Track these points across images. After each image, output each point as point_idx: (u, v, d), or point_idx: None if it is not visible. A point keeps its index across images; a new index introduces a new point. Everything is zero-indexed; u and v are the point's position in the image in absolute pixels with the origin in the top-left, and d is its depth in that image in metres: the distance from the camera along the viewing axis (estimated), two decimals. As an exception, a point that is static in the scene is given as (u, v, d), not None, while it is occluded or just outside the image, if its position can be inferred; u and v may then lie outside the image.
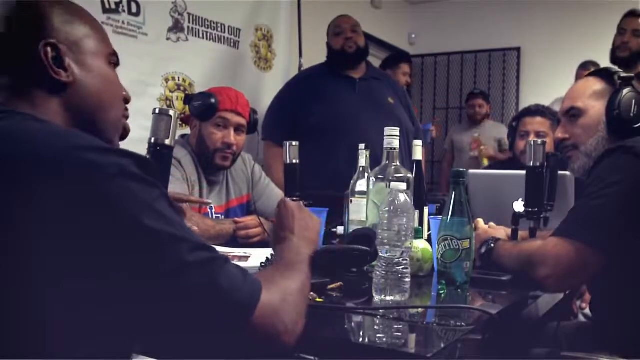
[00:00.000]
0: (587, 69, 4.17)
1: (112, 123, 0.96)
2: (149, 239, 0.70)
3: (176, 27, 2.86)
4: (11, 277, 0.67)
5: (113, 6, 2.52)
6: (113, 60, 0.97)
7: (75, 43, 0.90)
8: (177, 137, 1.54)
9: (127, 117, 1.01)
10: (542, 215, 1.52)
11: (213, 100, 2.02)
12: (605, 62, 2.78)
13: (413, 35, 5.86)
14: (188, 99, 2.06)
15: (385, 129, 1.47)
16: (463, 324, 1.01)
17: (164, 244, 0.71)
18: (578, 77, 4.23)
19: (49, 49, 0.87)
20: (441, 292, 1.30)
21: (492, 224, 1.62)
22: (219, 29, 3.12)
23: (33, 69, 0.86)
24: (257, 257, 1.53)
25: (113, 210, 0.69)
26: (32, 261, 0.67)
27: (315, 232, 1.13)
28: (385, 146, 1.47)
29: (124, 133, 1.01)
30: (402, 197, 1.16)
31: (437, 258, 1.36)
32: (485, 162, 4.32)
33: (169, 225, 0.73)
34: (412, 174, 1.54)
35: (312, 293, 1.15)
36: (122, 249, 0.69)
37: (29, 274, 0.67)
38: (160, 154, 1.16)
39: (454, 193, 1.33)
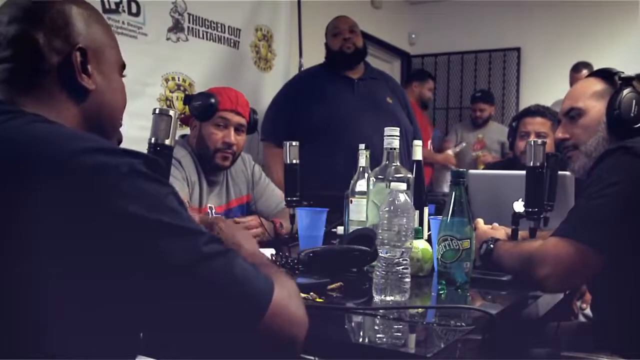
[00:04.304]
0: (579, 71, 4.17)
1: (116, 132, 0.99)
2: (162, 232, 0.71)
3: (176, 27, 2.86)
4: (25, 277, 0.67)
5: (113, 6, 2.52)
6: (122, 71, 0.99)
7: (98, 50, 0.92)
8: (177, 137, 1.54)
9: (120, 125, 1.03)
10: (542, 215, 1.52)
11: (213, 100, 2.02)
12: (603, 62, 2.77)
13: (413, 35, 5.86)
14: (188, 99, 2.06)
15: (385, 129, 1.47)
16: (463, 324, 1.01)
17: (180, 237, 0.72)
18: (571, 79, 4.22)
19: (78, 53, 0.87)
20: (441, 292, 1.30)
21: (495, 224, 1.62)
22: (219, 29, 3.12)
23: (58, 72, 0.86)
24: (257, 257, 1.52)
25: (126, 208, 0.69)
26: (46, 262, 0.67)
27: (254, 243, 1.15)
28: (385, 146, 1.47)
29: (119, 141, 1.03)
30: (402, 197, 1.16)
31: (437, 258, 1.36)
32: (482, 167, 4.32)
33: (182, 220, 0.73)
34: (412, 174, 1.54)
35: (312, 293, 1.15)
36: (134, 246, 0.69)
37: (43, 274, 0.67)
38: (160, 154, 1.16)
39: (454, 193, 1.33)
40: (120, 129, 1.02)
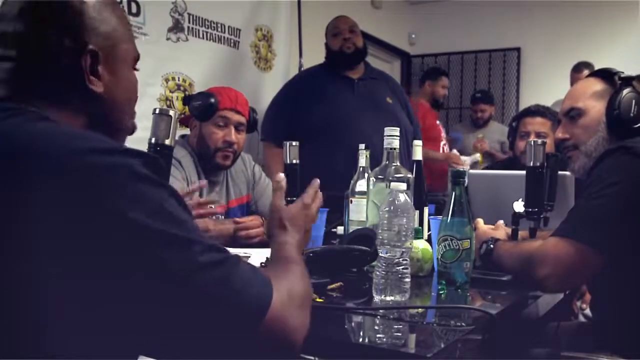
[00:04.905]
0: (580, 71, 4.17)
1: (127, 129, 0.96)
2: (160, 241, 0.70)
3: (176, 27, 2.86)
4: (25, 277, 0.67)
5: (113, 6, 2.52)
6: (136, 63, 0.95)
7: (110, 48, 0.87)
8: (177, 137, 1.54)
9: (134, 115, 0.99)
10: (542, 215, 1.52)
11: (213, 100, 2.02)
12: (603, 62, 2.77)
13: (413, 35, 5.86)
14: (188, 99, 2.06)
15: (385, 129, 1.47)
16: (463, 324, 1.01)
17: (176, 246, 0.71)
18: (572, 79, 4.22)
19: (88, 55, 0.83)
20: (441, 292, 1.30)
21: (499, 223, 1.61)
22: (219, 29, 3.12)
23: (65, 75, 0.83)
24: (257, 257, 1.53)
25: (126, 213, 0.68)
26: (46, 262, 0.67)
27: (308, 230, 1.14)
28: (385, 146, 1.47)
29: (132, 131, 0.99)
30: (402, 197, 1.16)
31: (437, 258, 1.36)
32: (481, 159, 4.31)
33: (180, 227, 0.72)
34: (412, 174, 1.54)
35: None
36: (132, 252, 0.69)
37: (43, 274, 0.67)
38: (160, 154, 1.16)
39: (454, 193, 1.33)
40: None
